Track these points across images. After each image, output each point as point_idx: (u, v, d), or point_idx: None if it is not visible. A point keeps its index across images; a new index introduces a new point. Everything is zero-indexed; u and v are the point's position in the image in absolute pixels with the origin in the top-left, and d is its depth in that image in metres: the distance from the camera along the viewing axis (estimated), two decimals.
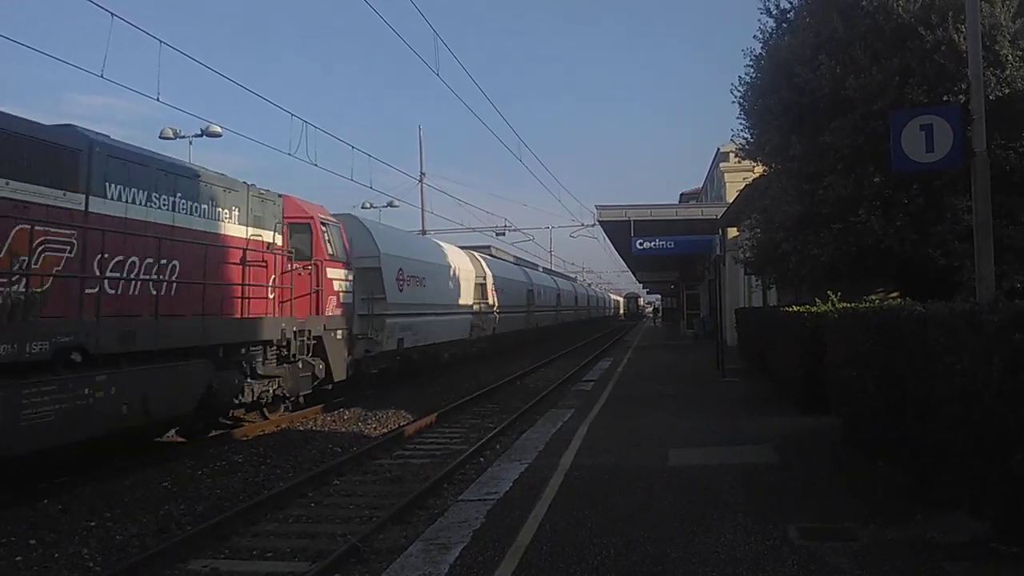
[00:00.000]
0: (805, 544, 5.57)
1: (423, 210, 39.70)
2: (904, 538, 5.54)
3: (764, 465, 8.34)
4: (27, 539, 7.74)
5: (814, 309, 11.44)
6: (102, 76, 12.83)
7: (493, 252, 44.66)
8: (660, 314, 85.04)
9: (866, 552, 5.36)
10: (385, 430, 14.48)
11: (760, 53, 13.61)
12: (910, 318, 6.57)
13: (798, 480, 7.56)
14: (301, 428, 14.65)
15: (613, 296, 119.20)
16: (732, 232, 26.58)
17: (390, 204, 39.33)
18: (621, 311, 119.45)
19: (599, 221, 30.62)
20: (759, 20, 13.69)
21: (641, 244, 26.80)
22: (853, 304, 10.32)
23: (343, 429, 14.66)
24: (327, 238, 16.31)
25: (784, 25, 13.44)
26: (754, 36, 13.75)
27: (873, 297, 12.19)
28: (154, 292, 10.89)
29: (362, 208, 38.07)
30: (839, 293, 11.69)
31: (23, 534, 7.87)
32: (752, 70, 13.77)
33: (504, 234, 49.03)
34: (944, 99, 10.47)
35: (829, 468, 8.01)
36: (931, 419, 6.05)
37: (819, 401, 10.69)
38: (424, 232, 38.16)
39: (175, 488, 9.87)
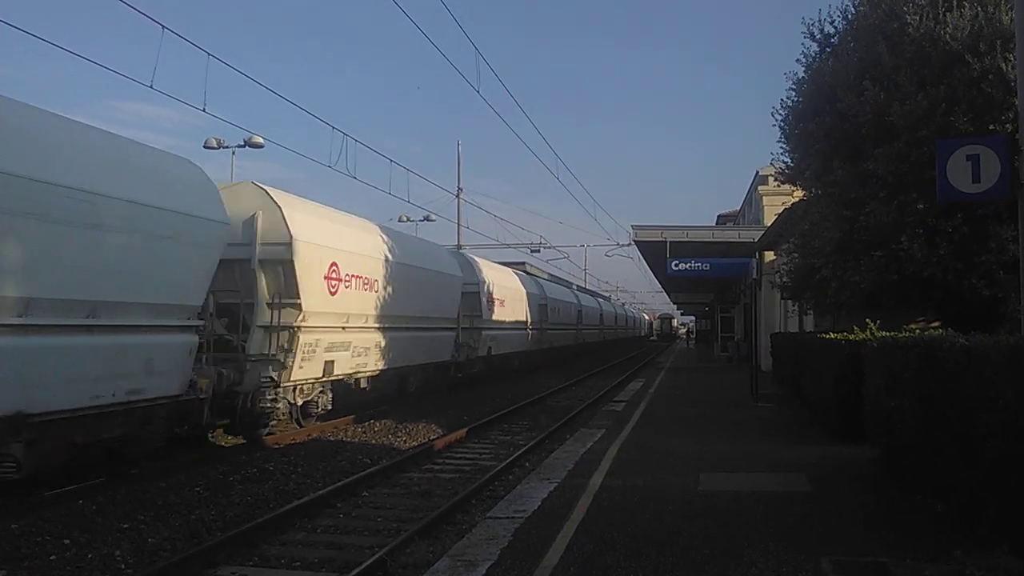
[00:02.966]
0: None
1: (459, 225, 39.93)
2: (941, 575, 5.40)
3: (797, 494, 8.20)
4: (61, 539, 7.90)
5: (852, 336, 11.28)
6: (151, 87, 13.25)
7: (528, 269, 44.62)
8: (694, 336, 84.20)
9: None
10: (415, 443, 14.53)
11: (802, 77, 13.50)
12: (952, 349, 6.44)
13: (832, 510, 7.42)
14: (331, 438, 14.76)
15: (646, 316, 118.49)
16: (769, 256, 26.31)
17: (426, 218, 39.56)
18: (654, 331, 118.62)
19: (635, 241, 30.53)
20: (802, 44, 13.57)
21: (676, 265, 26.60)
22: (892, 333, 10.16)
23: (373, 441, 14.73)
24: None
25: (828, 49, 13.33)
26: (797, 60, 13.65)
27: (913, 326, 11.97)
28: None
29: (399, 221, 37.93)
30: (878, 321, 11.51)
31: (58, 533, 8.03)
32: (794, 93, 13.66)
33: (539, 251, 49.05)
34: (991, 128, 10.27)
35: (864, 499, 7.85)
36: (972, 453, 5.91)
37: (854, 430, 10.50)
38: (459, 247, 38.04)
39: (207, 493, 10.00)
